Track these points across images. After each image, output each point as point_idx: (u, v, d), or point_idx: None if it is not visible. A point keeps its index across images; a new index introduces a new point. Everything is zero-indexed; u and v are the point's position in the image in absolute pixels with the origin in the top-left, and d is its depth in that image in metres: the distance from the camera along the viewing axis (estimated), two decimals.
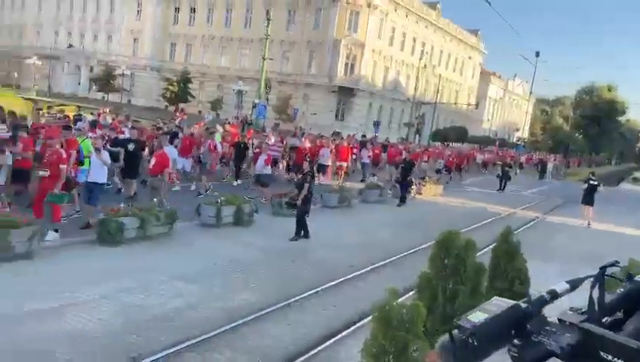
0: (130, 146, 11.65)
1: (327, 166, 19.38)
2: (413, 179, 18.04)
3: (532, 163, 46.56)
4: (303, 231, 10.62)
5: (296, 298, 7.26)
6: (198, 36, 59.65)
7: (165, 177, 11.46)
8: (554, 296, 1.33)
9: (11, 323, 5.52)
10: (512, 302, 1.29)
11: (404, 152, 22.28)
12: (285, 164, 19.35)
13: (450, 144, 49.80)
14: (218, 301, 6.94)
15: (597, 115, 72.52)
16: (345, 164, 20.33)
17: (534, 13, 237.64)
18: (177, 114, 24.56)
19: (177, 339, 5.58)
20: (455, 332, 1.23)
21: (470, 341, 1.19)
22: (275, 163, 17.72)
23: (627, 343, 1.15)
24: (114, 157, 10.65)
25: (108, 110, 22.18)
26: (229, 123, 24.99)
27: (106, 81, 55.66)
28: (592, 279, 1.36)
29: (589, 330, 1.23)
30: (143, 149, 13.01)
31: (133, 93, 58.46)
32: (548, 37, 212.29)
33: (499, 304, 1.28)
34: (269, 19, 32.79)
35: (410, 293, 6.61)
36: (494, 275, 5.95)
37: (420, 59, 57.58)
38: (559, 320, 1.31)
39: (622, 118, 79.80)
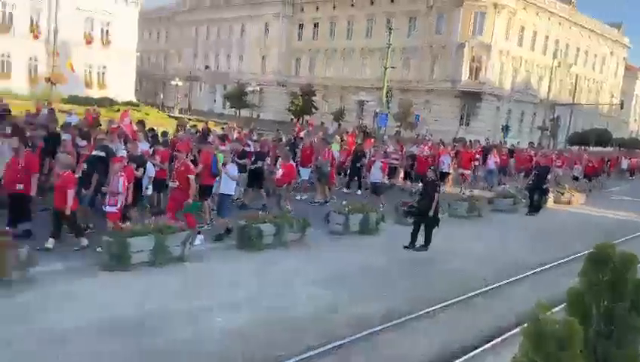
0: (255, 159, 12.33)
1: (448, 173, 18.79)
2: (549, 187, 16.79)
3: None
4: (425, 241, 10.42)
5: (430, 309, 7.16)
6: (321, 50, 61.61)
7: (290, 187, 11.87)
8: None
9: (184, 318, 6.17)
10: None
11: (534, 157, 20.80)
12: (404, 173, 19.14)
13: (590, 148, 45.50)
14: (352, 307, 7.08)
15: None
16: (467, 172, 19.47)
17: None
18: (297, 126, 25.48)
19: (313, 343, 5.80)
20: None
21: None
22: (392, 171, 17.63)
23: None
24: (241, 169, 11.18)
25: (235, 124, 23.44)
26: (346, 132, 25.31)
27: (238, 97, 59.79)
28: None
29: None
30: (264, 160, 13.62)
31: (262, 108, 62.04)
32: None
33: None
34: (390, 29, 32.84)
35: (556, 309, 6.19)
36: None
37: (553, 58, 53.60)
38: None
39: None
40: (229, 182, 9.91)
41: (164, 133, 13.84)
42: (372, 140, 22.86)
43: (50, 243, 7.98)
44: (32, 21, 48.26)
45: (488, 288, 8.32)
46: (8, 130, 10.71)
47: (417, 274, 8.98)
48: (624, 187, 26.49)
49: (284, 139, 17.66)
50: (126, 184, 8.34)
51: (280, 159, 12.82)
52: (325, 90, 58.71)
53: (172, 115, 42.92)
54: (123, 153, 9.80)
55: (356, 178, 16.89)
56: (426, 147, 20.13)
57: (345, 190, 16.42)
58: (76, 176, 8.57)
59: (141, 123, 14.68)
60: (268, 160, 13.68)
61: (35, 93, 39.60)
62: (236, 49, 68.98)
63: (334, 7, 59.83)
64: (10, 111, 15.76)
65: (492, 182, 20.23)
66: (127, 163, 8.91)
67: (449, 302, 7.49)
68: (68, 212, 7.95)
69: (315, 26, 62.65)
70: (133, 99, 52.96)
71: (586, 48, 62.28)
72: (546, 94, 52.66)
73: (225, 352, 5.53)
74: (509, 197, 16.25)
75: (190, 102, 62.59)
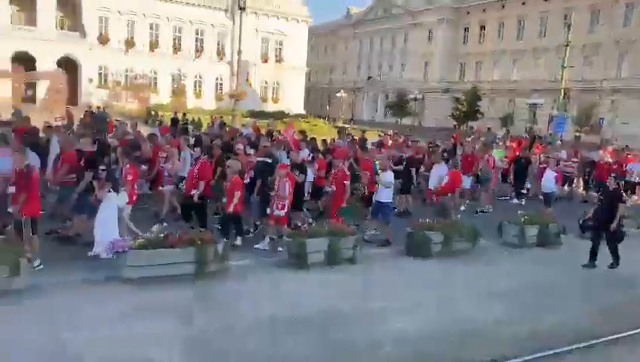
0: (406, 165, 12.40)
1: (638, 184, 16.44)
2: None
3: None
4: (614, 259, 9.30)
5: (619, 335, 6.43)
6: (488, 53, 58.91)
7: (456, 196, 11.51)
8: None
9: (362, 318, 6.50)
10: None
11: None
12: (583, 182, 17.28)
13: None
14: (525, 322, 6.69)
15: None
16: None
17: None
18: (456, 133, 24.60)
19: (485, 356, 5.64)
20: None
21: None
22: (567, 180, 16.06)
23: None
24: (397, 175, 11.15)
25: (391, 132, 23.39)
26: (510, 138, 23.73)
27: (399, 106, 60.00)
28: None
29: None
30: (419, 167, 13.44)
31: (424, 115, 61.36)
32: None
33: None
34: (569, 25, 30.12)
35: None
36: None
37: None
38: None
39: None
40: (384, 190, 9.83)
41: (324, 142, 14.72)
42: (542, 146, 21.16)
43: (239, 241, 8.96)
44: (218, 45, 54.72)
45: None
46: (192, 140, 13.44)
47: (601, 293, 8.12)
48: None
49: (440, 146, 17.34)
50: (290, 189, 8.93)
51: (435, 165, 12.49)
52: (492, 94, 55.96)
53: (336, 125, 44.80)
54: (286, 161, 10.63)
55: (516, 186, 15.52)
56: (607, 152, 18.05)
57: (515, 200, 15.31)
58: (245, 181, 9.45)
59: (302, 133, 15.97)
60: (422, 168, 13.60)
61: (219, 109, 44.81)
62: (399, 58, 69.46)
63: (503, 7, 56.83)
64: (224, 123, 20.25)
65: None
66: (290, 169, 9.52)
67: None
68: (231, 209, 8.73)
69: (481, 29, 60.24)
70: (303, 112, 56.66)
71: None
72: None
73: (403, 355, 5.63)
74: None
75: (353, 113, 64.67)
